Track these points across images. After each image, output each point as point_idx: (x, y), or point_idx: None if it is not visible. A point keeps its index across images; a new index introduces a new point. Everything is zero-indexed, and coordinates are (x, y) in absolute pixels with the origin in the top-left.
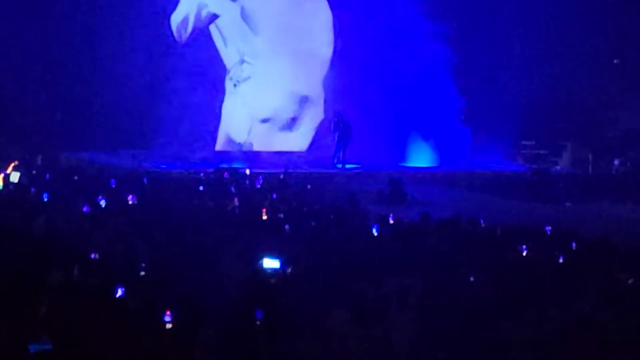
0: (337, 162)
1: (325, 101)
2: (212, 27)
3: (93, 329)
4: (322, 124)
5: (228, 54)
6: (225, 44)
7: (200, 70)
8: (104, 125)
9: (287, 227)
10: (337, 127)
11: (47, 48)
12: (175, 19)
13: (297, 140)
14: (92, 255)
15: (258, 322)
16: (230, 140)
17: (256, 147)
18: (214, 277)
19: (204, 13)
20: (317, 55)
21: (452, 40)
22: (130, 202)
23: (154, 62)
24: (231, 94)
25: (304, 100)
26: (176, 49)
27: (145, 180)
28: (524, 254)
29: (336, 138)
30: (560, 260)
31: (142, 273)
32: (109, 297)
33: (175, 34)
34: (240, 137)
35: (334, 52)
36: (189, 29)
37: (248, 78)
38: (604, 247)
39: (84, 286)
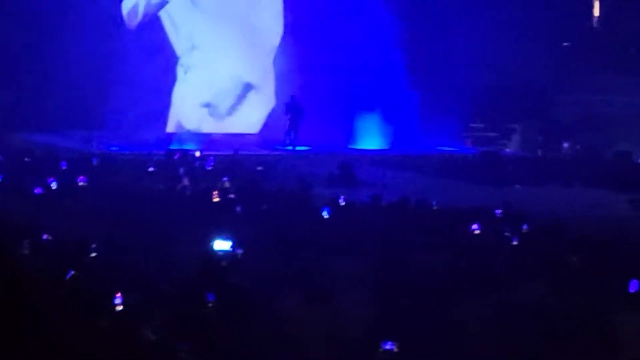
0: (289, 144)
1: (276, 85)
2: (162, 13)
3: (43, 310)
4: (273, 108)
5: (178, 40)
6: (175, 30)
7: (151, 54)
8: (56, 107)
9: (238, 209)
10: (289, 109)
11: None
12: (126, 4)
13: (248, 123)
14: (44, 236)
15: (209, 305)
16: (180, 126)
17: (206, 130)
18: (165, 258)
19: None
20: (266, 40)
21: (402, 22)
22: (80, 184)
23: (106, 44)
24: (182, 81)
25: (250, 86)
26: (128, 33)
27: (94, 162)
28: (477, 232)
29: (288, 120)
30: (514, 243)
31: (93, 254)
32: (60, 278)
33: (125, 19)
34: (190, 123)
35: (284, 33)
36: (140, 15)
37: (197, 65)
38: (554, 229)
39: (34, 266)
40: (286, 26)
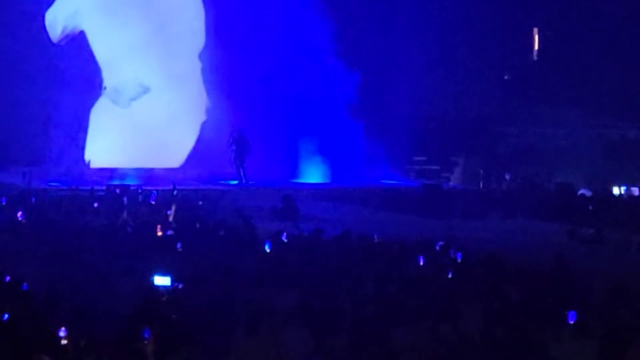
0: (241, 180)
1: (206, 117)
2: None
3: None
4: (198, 141)
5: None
6: (96, 44)
7: (87, 84)
8: None
9: (179, 245)
10: (235, 143)
11: None
12: (48, 16)
13: (169, 157)
14: None
15: (146, 342)
16: (104, 157)
17: (124, 165)
18: (105, 294)
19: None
20: (191, 71)
21: (345, 53)
22: (19, 219)
23: (43, 77)
24: (102, 108)
25: (176, 117)
26: (55, 61)
27: (33, 199)
28: (421, 264)
29: (233, 153)
30: (449, 275)
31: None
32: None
33: (49, 32)
34: (114, 155)
35: (216, 57)
36: (60, 28)
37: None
38: (492, 260)
39: None
40: (218, 52)
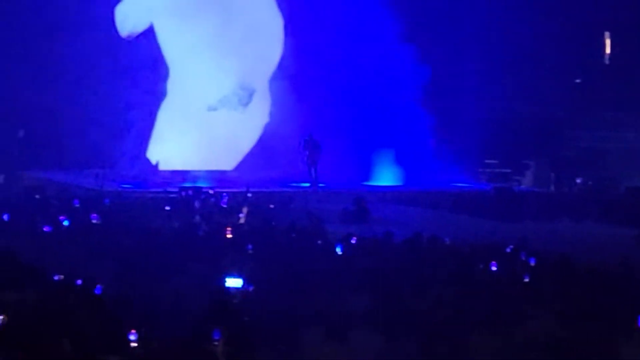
0: (311, 182)
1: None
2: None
3: (56, 349)
4: (268, 143)
5: (171, 57)
6: (168, 45)
7: (151, 83)
8: (67, 144)
9: (249, 247)
10: (307, 146)
11: (9, 68)
12: (119, 13)
13: (240, 159)
14: (56, 277)
15: (216, 343)
16: (175, 159)
17: (201, 167)
18: (176, 296)
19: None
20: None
21: (417, 58)
22: (94, 222)
23: (120, 82)
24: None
25: (244, 120)
26: (133, 69)
27: (106, 201)
28: (494, 269)
29: (305, 157)
30: (524, 279)
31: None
32: (72, 318)
33: (119, 27)
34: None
35: (290, 63)
36: (131, 25)
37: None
38: (563, 265)
39: (45, 307)
40: (293, 56)
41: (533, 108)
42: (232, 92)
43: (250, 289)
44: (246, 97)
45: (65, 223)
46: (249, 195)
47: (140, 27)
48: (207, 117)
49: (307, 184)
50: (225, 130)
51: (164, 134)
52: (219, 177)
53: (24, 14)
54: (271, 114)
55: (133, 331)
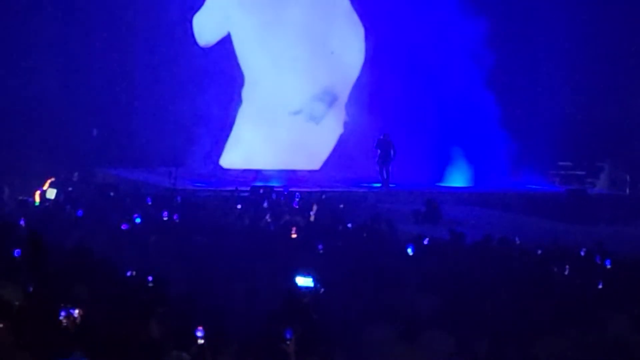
0: (383, 182)
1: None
2: (234, 35)
3: (127, 342)
4: (340, 143)
5: (248, 64)
6: (247, 53)
7: (225, 82)
8: (140, 142)
9: (320, 246)
10: (379, 145)
11: (83, 68)
12: (197, 22)
13: (312, 159)
14: (128, 273)
15: (288, 342)
16: (246, 158)
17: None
18: (246, 294)
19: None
20: (344, 72)
21: (492, 59)
22: (165, 219)
23: (191, 83)
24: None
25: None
26: (207, 66)
27: (178, 199)
28: (565, 272)
29: (378, 157)
30: (599, 284)
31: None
32: (144, 312)
33: (197, 37)
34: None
35: (367, 65)
36: (210, 33)
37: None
38: (639, 269)
39: (119, 302)
40: (369, 58)
41: (607, 108)
42: (313, 99)
43: (321, 290)
44: (327, 104)
45: (138, 220)
46: (323, 197)
47: (218, 37)
48: (285, 121)
49: (379, 184)
50: (303, 134)
51: (241, 136)
52: (290, 177)
53: (102, 15)
54: (348, 115)
55: (200, 328)
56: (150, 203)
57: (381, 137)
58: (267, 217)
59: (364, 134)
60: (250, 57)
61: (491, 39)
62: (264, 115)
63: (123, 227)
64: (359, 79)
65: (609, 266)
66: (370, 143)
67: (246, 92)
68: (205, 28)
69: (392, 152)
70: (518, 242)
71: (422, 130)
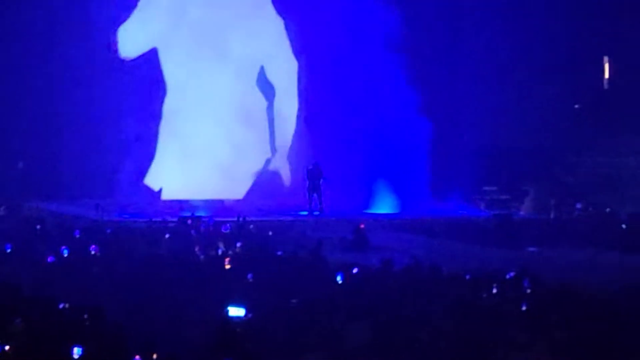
0: (314, 210)
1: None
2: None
3: None
4: (266, 171)
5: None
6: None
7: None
8: (67, 175)
9: (249, 276)
10: (309, 175)
11: (7, 100)
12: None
13: (237, 188)
14: (61, 305)
15: None
16: (172, 188)
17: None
18: (179, 325)
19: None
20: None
21: (416, 87)
22: (93, 253)
23: (118, 113)
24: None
25: (242, 148)
26: (134, 94)
27: (108, 231)
28: (492, 295)
29: (307, 187)
30: (523, 307)
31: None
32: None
33: (120, 48)
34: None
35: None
36: (133, 47)
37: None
38: (564, 293)
39: (48, 335)
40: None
41: (531, 134)
42: (231, 114)
43: (249, 316)
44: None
45: (65, 253)
46: (250, 225)
47: (140, 50)
48: (208, 145)
49: (305, 212)
50: (227, 162)
51: (164, 163)
52: (216, 207)
53: (24, 45)
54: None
55: (137, 357)
56: (78, 236)
57: (310, 166)
58: (196, 246)
59: (290, 162)
60: (171, 72)
61: (417, 70)
62: (186, 144)
63: (49, 259)
64: (287, 108)
65: (533, 291)
66: (297, 171)
67: (166, 121)
68: (129, 40)
69: (321, 181)
70: (447, 269)
71: (348, 159)
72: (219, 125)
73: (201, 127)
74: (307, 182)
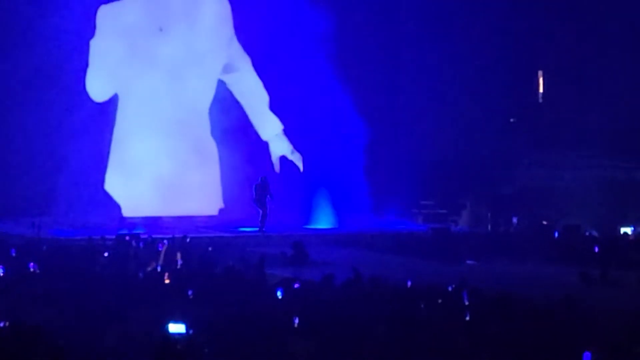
0: (260, 227)
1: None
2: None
3: None
4: (226, 187)
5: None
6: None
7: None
8: (2, 191)
9: (190, 292)
10: (257, 190)
11: None
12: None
13: (199, 205)
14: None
15: None
16: (128, 207)
17: (156, 213)
18: (118, 342)
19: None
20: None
21: (353, 99)
22: (31, 270)
23: (53, 126)
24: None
25: (199, 163)
26: (74, 121)
27: (44, 248)
28: (431, 307)
29: (254, 202)
30: (465, 318)
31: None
32: None
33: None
34: (136, 203)
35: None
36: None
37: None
38: (502, 304)
39: None
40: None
41: (468, 148)
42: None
43: (190, 332)
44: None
45: (0, 272)
46: (187, 239)
47: (107, 96)
48: (148, 159)
49: (255, 229)
50: (171, 178)
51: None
52: (155, 224)
53: None
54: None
55: None
56: (14, 254)
57: (258, 181)
58: (134, 263)
59: (237, 177)
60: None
61: (355, 83)
62: (123, 158)
63: None
64: (230, 121)
65: (470, 302)
66: (246, 187)
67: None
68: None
69: (269, 196)
70: (387, 283)
71: (288, 174)
72: (157, 138)
73: (142, 140)
74: (254, 197)
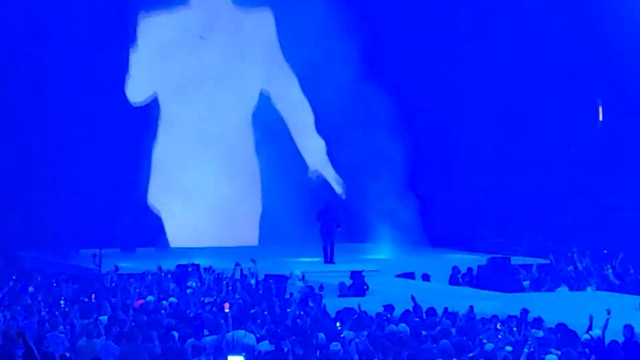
0: (325, 260)
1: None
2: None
3: None
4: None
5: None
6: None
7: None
8: (65, 225)
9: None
10: (320, 217)
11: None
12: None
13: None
14: None
15: None
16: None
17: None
18: None
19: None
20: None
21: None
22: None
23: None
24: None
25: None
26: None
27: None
28: None
29: (321, 230)
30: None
31: None
32: None
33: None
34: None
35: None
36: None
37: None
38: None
39: None
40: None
41: (527, 176)
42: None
43: None
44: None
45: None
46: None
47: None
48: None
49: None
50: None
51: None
52: (211, 254)
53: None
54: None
55: None
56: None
57: (324, 207)
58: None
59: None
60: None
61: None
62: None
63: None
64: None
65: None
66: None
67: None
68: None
69: (336, 224)
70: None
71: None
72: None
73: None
74: (321, 226)
